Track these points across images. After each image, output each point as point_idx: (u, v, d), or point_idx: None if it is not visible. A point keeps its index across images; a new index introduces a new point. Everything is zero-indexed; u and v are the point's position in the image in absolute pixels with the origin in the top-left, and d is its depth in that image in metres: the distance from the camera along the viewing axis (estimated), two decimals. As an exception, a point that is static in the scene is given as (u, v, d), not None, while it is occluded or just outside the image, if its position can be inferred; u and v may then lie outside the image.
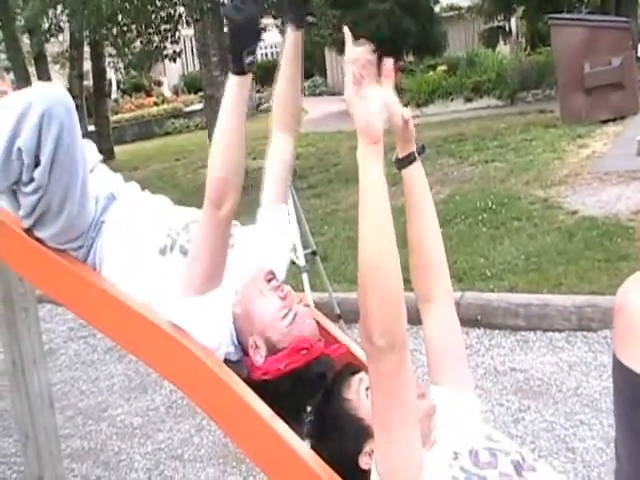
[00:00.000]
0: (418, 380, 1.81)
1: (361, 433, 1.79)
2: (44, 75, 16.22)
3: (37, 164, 2.16)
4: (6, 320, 3.53)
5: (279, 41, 28.50)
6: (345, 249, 6.86)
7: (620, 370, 1.33)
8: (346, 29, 1.76)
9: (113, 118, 19.48)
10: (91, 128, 16.27)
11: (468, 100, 15.75)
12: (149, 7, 12.17)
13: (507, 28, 19.75)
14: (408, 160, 1.91)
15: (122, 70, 16.35)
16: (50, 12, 13.08)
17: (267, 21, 15.01)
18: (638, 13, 16.79)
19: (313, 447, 1.91)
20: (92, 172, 2.44)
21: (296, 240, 4.62)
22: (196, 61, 18.47)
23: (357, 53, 1.68)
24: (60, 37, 15.99)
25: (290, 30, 2.33)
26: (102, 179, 2.48)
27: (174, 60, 14.31)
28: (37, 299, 3.76)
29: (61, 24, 13.83)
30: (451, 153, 10.83)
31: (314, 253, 5.19)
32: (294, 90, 2.39)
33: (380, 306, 1.59)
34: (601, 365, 4.50)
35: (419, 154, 1.93)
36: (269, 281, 2.12)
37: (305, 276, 4.86)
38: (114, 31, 12.57)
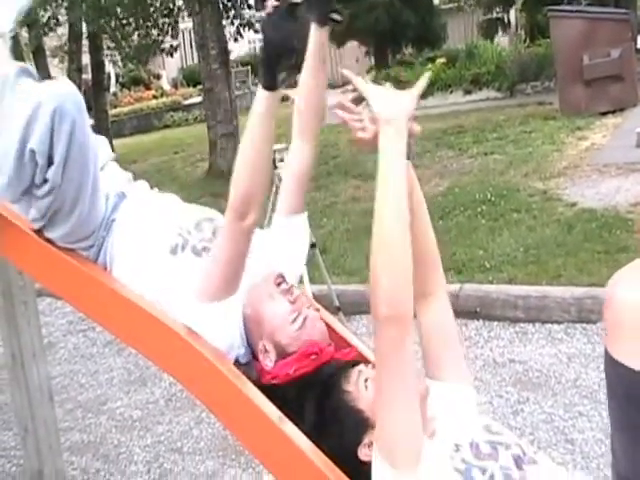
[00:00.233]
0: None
1: (361, 425, 1.79)
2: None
3: (50, 164, 2.12)
4: (5, 313, 3.53)
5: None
6: (344, 242, 6.86)
7: (612, 365, 1.32)
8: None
9: (112, 111, 19.47)
10: (90, 122, 16.22)
11: (467, 92, 15.76)
12: (147, 0, 12.17)
13: (506, 20, 19.74)
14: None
15: (120, 63, 16.36)
16: (49, 5, 13.08)
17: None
18: (637, 5, 16.78)
19: (313, 440, 1.91)
20: (103, 170, 2.42)
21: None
22: (195, 54, 18.47)
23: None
24: (59, 31, 15.99)
25: (314, 28, 2.21)
26: (113, 177, 2.46)
27: (171, 55, 14.31)
28: (36, 292, 3.76)
29: (59, 17, 13.82)
30: (450, 145, 10.83)
31: (313, 245, 5.18)
32: (318, 90, 2.30)
33: (389, 277, 1.61)
34: (600, 357, 4.46)
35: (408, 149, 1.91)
36: (278, 285, 2.10)
37: (304, 268, 4.85)
38: (112, 24, 12.57)
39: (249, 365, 2.11)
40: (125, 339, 2.43)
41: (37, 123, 2.07)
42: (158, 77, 26.32)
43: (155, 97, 23.27)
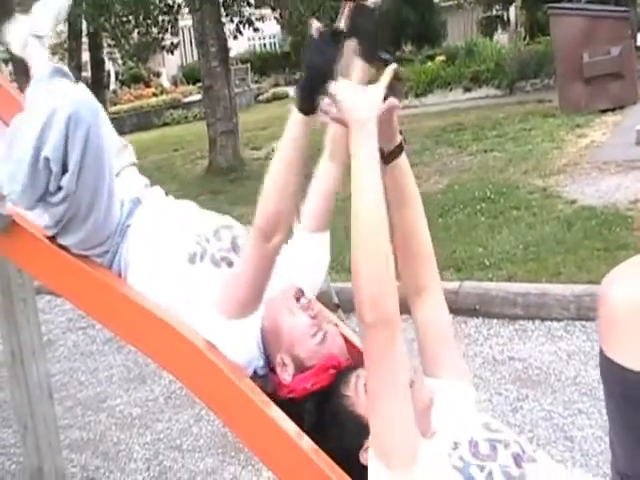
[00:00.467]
0: (414, 368, 1.81)
1: (361, 429, 1.77)
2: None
3: (64, 171, 2.09)
4: (5, 311, 3.53)
5: (277, 32, 28.43)
6: (343, 239, 6.79)
7: (607, 364, 1.29)
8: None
9: (112, 109, 19.48)
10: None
11: (467, 90, 15.75)
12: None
13: (506, 17, 19.74)
14: (394, 155, 1.86)
15: (119, 61, 16.35)
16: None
17: (265, 12, 15.00)
18: (637, 2, 16.77)
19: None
20: (119, 175, 2.40)
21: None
22: (195, 52, 18.46)
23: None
24: (58, 28, 15.95)
25: (360, 62, 2.09)
26: (128, 182, 2.44)
27: (172, 52, 14.30)
28: (36, 290, 3.76)
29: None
30: (450, 143, 10.83)
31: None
32: None
33: (370, 281, 1.62)
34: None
35: (402, 143, 1.89)
36: (298, 299, 2.09)
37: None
38: (112, 21, 12.55)
39: (265, 378, 2.10)
40: (138, 344, 2.35)
41: (51, 130, 2.05)
42: (158, 75, 26.31)
43: (155, 95, 23.25)
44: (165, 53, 14.51)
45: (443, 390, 1.87)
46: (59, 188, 2.11)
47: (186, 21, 14.96)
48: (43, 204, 2.18)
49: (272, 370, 2.08)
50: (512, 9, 20.09)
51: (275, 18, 15.23)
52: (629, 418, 1.30)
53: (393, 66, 1.79)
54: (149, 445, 4.37)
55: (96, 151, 2.10)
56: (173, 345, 2.13)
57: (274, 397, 2.02)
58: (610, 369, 1.29)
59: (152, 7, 12.47)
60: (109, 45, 15.92)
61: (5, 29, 2.77)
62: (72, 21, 13.89)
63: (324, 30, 1.84)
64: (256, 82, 25.49)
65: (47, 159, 2.07)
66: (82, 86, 2.23)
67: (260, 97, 23.53)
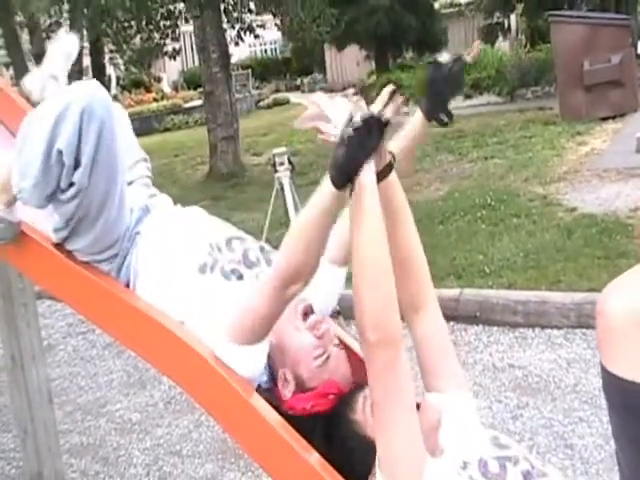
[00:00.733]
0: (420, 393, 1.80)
1: (371, 452, 1.75)
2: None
3: (76, 167, 2.06)
4: (5, 316, 3.54)
5: (278, 38, 28.49)
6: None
7: (606, 374, 1.26)
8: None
9: (112, 114, 19.43)
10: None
11: (467, 97, 15.73)
12: (149, 3, 12.18)
13: (506, 25, 19.76)
14: (384, 173, 1.82)
15: (121, 66, 16.36)
16: (52, 9, 13.10)
17: (266, 18, 15.02)
18: (638, 10, 16.80)
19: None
20: (132, 184, 2.39)
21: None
22: (196, 57, 18.49)
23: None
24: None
25: (419, 117, 2.33)
26: (138, 192, 2.42)
27: (174, 58, 14.32)
28: (36, 295, 3.76)
29: (60, 20, 13.84)
30: (450, 150, 10.84)
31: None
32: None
33: (372, 302, 1.62)
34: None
35: (392, 162, 1.86)
36: (305, 317, 2.08)
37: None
38: (114, 27, 12.57)
39: (271, 390, 2.09)
40: (144, 354, 2.34)
41: (65, 123, 2.02)
42: (159, 80, 26.33)
43: (156, 100, 23.24)
44: (168, 58, 14.50)
45: (447, 406, 1.85)
46: (70, 185, 2.08)
47: (187, 27, 14.98)
48: (54, 202, 2.15)
49: (275, 383, 2.08)
50: (513, 17, 20.11)
51: (276, 25, 15.26)
52: (632, 430, 1.28)
53: (390, 87, 1.80)
54: (149, 450, 4.37)
55: (109, 146, 2.07)
56: (173, 351, 2.13)
57: (278, 409, 2.01)
58: (609, 380, 1.26)
59: (154, 13, 12.49)
60: (111, 50, 15.93)
61: (23, 83, 2.79)
62: (73, 25, 13.93)
63: (369, 119, 1.72)
64: (257, 88, 25.51)
65: (60, 152, 2.04)
66: (96, 82, 2.20)
67: (261, 103, 23.57)
